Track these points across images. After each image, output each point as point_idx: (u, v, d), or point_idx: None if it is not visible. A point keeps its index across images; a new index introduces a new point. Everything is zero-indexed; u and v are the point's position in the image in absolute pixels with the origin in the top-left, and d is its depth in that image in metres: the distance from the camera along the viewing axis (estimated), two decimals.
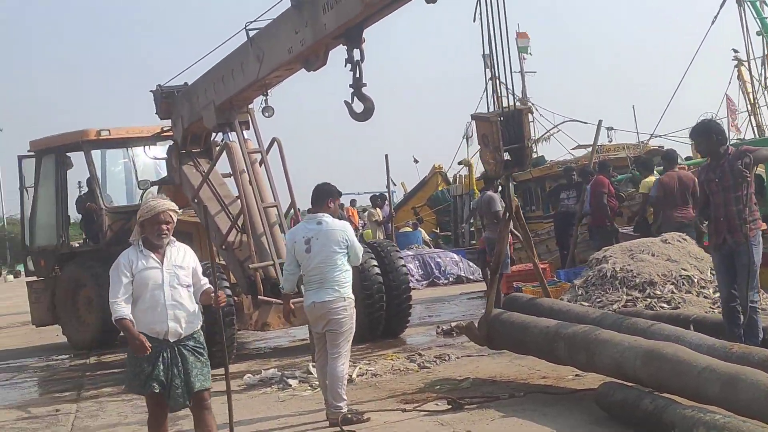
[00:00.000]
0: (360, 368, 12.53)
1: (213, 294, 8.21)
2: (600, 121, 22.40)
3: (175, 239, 8.20)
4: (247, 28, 13.73)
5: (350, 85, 12.01)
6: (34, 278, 20.42)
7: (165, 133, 17.92)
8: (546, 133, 36.24)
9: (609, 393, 8.73)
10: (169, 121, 16.74)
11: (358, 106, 12.06)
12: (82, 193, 20.88)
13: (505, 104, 11.21)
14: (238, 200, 15.47)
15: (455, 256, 27.76)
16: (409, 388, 11.34)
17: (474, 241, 31.77)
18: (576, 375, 10.54)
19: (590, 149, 23.80)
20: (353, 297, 10.07)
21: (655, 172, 17.59)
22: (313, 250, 9.88)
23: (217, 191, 16.16)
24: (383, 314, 15.45)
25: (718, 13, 33.00)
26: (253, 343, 17.45)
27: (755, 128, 34.36)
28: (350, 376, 11.19)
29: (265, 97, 15.20)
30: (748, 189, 9.78)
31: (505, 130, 10.53)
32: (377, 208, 29.86)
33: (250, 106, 15.66)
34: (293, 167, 16.02)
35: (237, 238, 15.45)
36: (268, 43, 13.31)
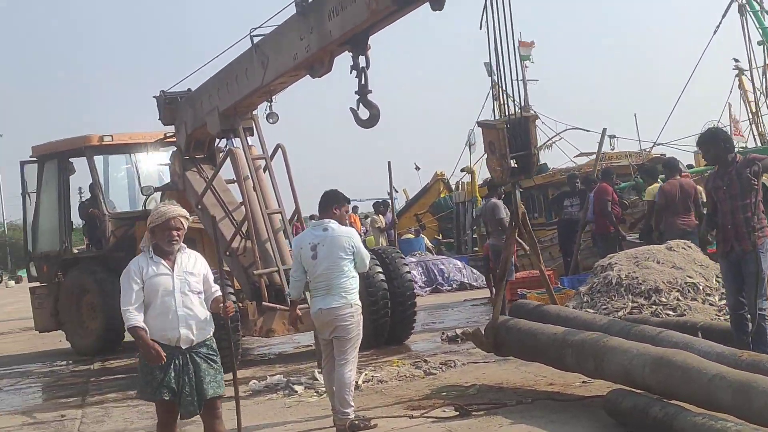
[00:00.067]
0: (366, 374, 12.49)
1: (222, 304, 8.18)
2: (604, 129, 22.55)
3: (185, 246, 8.18)
4: (251, 34, 13.76)
5: (356, 92, 11.99)
6: (37, 284, 20.36)
7: (168, 139, 17.93)
8: (548, 140, 36.27)
9: (618, 400, 8.71)
10: (173, 127, 16.73)
11: (364, 113, 12.04)
12: (84, 199, 20.89)
13: (511, 111, 11.19)
14: (242, 206, 15.47)
15: (458, 262, 27.72)
16: (416, 394, 11.31)
17: (477, 248, 31.79)
18: (583, 382, 10.53)
19: (592, 157, 23.84)
20: (360, 303, 10.05)
21: (659, 179, 17.57)
22: (320, 256, 9.86)
23: (220, 197, 16.15)
24: (388, 321, 15.39)
25: (720, 23, 33.11)
26: (258, 349, 17.41)
27: (757, 137, 34.36)
28: (356, 382, 11.17)
29: (269, 104, 15.17)
30: (756, 197, 9.77)
31: (511, 137, 10.53)
32: (380, 215, 29.88)
33: (254, 112, 15.64)
34: (297, 173, 16.04)
35: (241, 244, 15.45)
36: (273, 50, 13.31)
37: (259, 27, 13.63)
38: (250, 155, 15.44)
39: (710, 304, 12.61)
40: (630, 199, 20.90)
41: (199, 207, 15.83)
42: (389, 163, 19.93)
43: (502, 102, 11.87)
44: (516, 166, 10.64)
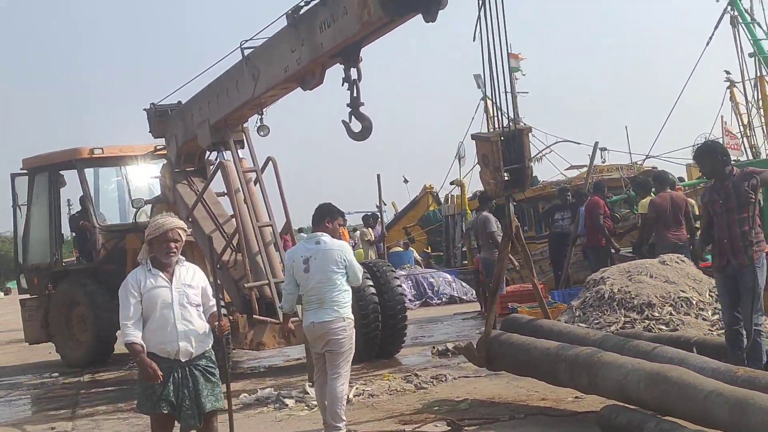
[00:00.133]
0: (357, 388, 12.42)
1: (217, 322, 8.12)
2: (596, 143, 22.52)
3: (183, 258, 8.12)
4: (242, 46, 13.71)
5: (347, 105, 11.95)
6: (27, 296, 20.31)
7: (159, 152, 17.87)
8: (538, 153, 36.26)
9: (612, 416, 8.63)
10: (163, 139, 16.68)
11: (356, 126, 12.00)
12: (74, 212, 20.82)
13: (504, 124, 11.15)
14: (233, 219, 15.41)
15: (448, 276, 27.66)
16: (407, 408, 11.24)
17: (466, 261, 31.76)
18: (576, 397, 10.46)
19: (582, 170, 23.85)
20: (353, 317, 9.99)
21: (651, 193, 17.58)
22: (312, 269, 9.80)
23: (211, 210, 16.09)
24: (379, 334, 15.31)
25: (713, 34, 33.23)
26: (248, 362, 17.34)
27: (748, 149, 34.42)
28: (347, 396, 11.11)
29: (260, 116, 15.14)
30: (753, 211, 9.72)
31: (505, 150, 10.49)
32: (369, 228, 29.80)
33: (245, 125, 15.59)
34: (288, 186, 16.00)
35: (232, 257, 15.40)
36: (264, 62, 13.26)
37: (250, 39, 13.61)
38: (241, 168, 15.37)
39: (703, 319, 12.57)
40: (621, 213, 20.90)
41: (190, 220, 15.75)
42: (378, 176, 19.95)
43: (492, 115, 11.84)
44: (509, 179, 10.61)
